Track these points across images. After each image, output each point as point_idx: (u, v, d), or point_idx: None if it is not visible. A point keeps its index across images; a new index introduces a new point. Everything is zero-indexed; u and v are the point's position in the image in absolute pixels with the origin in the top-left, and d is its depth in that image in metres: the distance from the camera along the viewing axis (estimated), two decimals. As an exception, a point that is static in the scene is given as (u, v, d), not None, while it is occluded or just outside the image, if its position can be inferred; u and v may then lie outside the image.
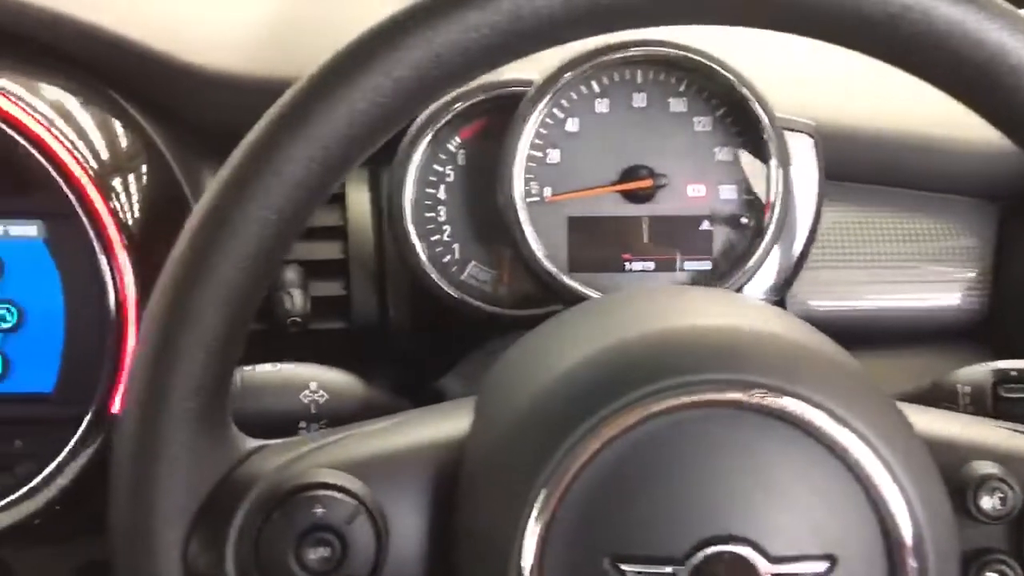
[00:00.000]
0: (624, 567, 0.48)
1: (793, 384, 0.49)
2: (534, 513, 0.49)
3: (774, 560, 0.48)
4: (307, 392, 0.67)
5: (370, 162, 0.82)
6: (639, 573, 0.48)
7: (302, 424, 0.66)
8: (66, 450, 0.76)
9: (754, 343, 0.51)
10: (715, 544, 0.48)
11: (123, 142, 0.80)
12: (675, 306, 0.56)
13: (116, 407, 0.76)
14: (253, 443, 0.55)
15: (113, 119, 0.81)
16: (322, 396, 0.67)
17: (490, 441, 0.53)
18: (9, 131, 0.73)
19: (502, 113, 0.78)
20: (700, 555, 0.48)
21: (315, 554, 0.51)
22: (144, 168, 0.81)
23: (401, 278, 0.84)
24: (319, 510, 0.51)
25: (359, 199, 0.85)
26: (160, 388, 0.50)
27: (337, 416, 0.67)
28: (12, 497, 0.77)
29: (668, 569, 0.48)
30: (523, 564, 0.49)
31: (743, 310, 0.56)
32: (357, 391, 0.69)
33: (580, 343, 0.53)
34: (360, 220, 0.85)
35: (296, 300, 0.80)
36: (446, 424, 0.56)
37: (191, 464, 0.51)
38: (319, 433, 0.56)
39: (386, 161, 0.82)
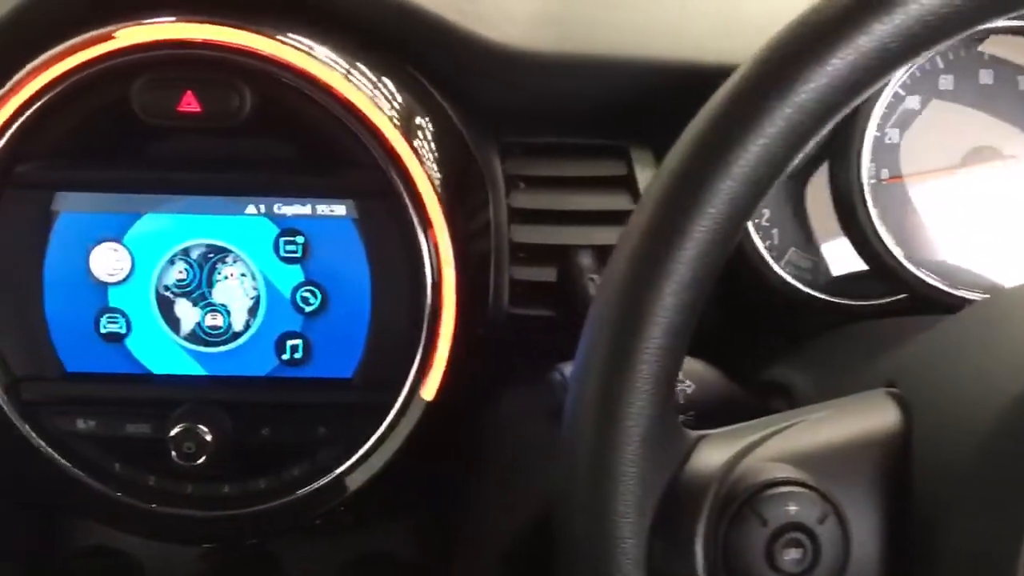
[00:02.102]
0: None
1: None
2: None
3: None
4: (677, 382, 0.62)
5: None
6: None
7: (671, 416, 0.62)
8: (373, 438, 0.73)
9: None
10: None
11: (427, 118, 0.77)
12: None
13: (428, 394, 0.72)
14: (695, 433, 0.50)
15: (414, 95, 0.77)
16: (689, 386, 0.63)
17: (958, 446, 0.48)
18: (330, 102, 0.70)
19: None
20: None
21: (788, 556, 0.47)
22: (447, 145, 0.77)
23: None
24: (792, 507, 0.47)
25: (648, 179, 0.81)
26: (627, 371, 0.46)
27: (702, 407, 0.63)
28: (315, 486, 0.73)
29: None
30: None
31: None
32: (719, 382, 0.65)
33: None
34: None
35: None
36: (871, 419, 0.51)
37: (649, 456, 0.47)
38: (755, 424, 0.51)
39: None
